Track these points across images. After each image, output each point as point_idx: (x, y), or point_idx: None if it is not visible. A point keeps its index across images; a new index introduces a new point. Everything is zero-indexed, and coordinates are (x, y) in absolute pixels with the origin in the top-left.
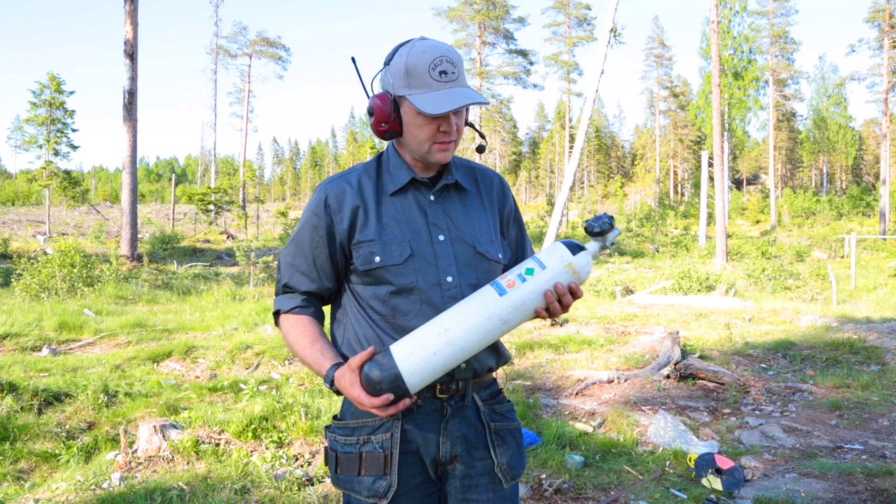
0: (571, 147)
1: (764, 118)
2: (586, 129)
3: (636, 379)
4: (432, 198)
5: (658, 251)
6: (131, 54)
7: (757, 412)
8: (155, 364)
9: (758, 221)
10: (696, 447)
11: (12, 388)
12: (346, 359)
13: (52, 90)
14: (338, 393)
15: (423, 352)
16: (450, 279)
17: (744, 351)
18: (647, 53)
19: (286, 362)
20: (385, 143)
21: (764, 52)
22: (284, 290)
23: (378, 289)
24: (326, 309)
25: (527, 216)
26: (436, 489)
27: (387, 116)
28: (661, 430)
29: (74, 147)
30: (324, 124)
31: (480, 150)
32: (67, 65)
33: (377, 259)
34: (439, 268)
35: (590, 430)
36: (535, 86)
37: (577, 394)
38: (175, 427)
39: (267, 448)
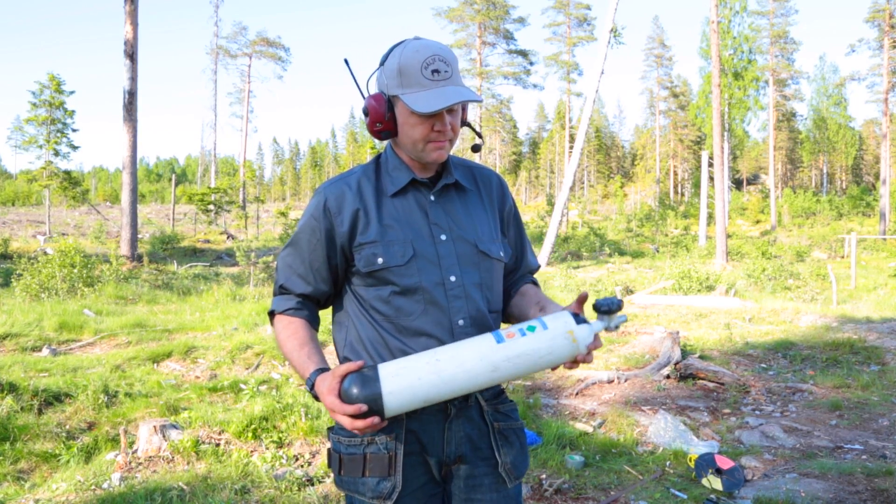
0: (571, 147)
1: (764, 118)
2: (586, 129)
3: (636, 379)
4: (433, 198)
5: (658, 251)
6: (131, 54)
7: (757, 412)
8: (155, 364)
9: (758, 221)
10: (696, 447)
11: (12, 388)
12: (346, 361)
13: (52, 90)
14: (316, 398)
15: (409, 375)
16: (453, 278)
17: (744, 351)
18: (647, 53)
19: (286, 363)
20: (383, 144)
21: (764, 52)
22: (281, 291)
23: (381, 290)
24: (324, 313)
25: (527, 216)
26: (439, 490)
27: (381, 117)
28: (661, 430)
29: (74, 147)
30: (324, 124)
31: (476, 149)
32: (67, 65)
33: (380, 260)
34: (442, 267)
35: (590, 430)
36: (535, 86)
37: (577, 394)
38: (175, 427)
39: (267, 448)
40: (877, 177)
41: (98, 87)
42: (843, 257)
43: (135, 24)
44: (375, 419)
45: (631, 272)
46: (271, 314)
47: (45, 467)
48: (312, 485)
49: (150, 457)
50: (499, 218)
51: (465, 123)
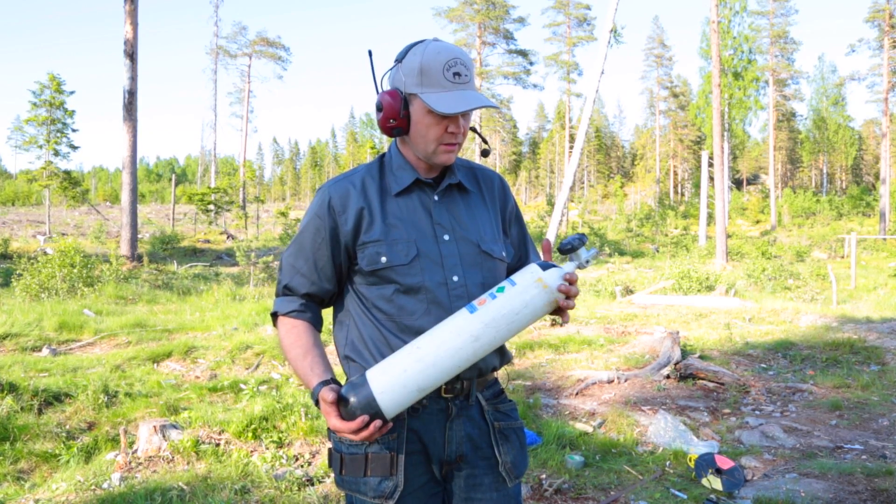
0: (571, 147)
1: (764, 118)
2: (586, 129)
3: (636, 379)
4: (436, 198)
5: (658, 251)
6: (131, 54)
7: (757, 412)
8: (155, 364)
9: (758, 221)
10: (696, 447)
11: (12, 388)
12: (348, 360)
13: (52, 90)
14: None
15: (394, 370)
16: (455, 278)
17: (744, 351)
18: (647, 53)
19: (286, 362)
20: (386, 143)
21: (764, 52)
22: (284, 291)
23: (383, 289)
24: (326, 312)
25: (527, 216)
26: (440, 489)
27: (395, 113)
28: (661, 430)
29: (74, 147)
30: (324, 124)
31: (485, 154)
32: (67, 65)
33: (383, 259)
34: (445, 267)
35: (590, 430)
36: (535, 86)
37: (577, 394)
38: (175, 427)
39: (267, 448)
40: (877, 177)
41: (98, 87)
42: (843, 257)
43: (135, 23)
44: (378, 423)
45: (631, 272)
46: (274, 315)
47: (45, 467)
48: (312, 485)
49: (150, 457)
50: (501, 218)
51: (470, 129)
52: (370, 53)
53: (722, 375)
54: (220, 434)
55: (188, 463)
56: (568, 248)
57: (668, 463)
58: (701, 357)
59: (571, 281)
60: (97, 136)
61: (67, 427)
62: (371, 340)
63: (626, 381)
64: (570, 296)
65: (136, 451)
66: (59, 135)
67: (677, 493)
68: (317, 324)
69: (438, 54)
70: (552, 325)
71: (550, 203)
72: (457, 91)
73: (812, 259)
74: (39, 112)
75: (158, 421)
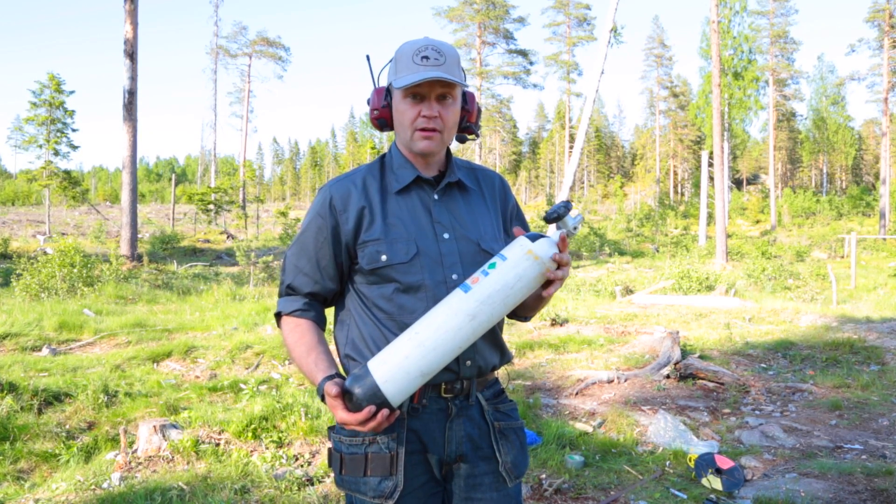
0: (571, 147)
1: (764, 118)
2: (586, 129)
3: (636, 379)
4: (436, 196)
5: (658, 251)
6: (131, 54)
7: (757, 412)
8: (155, 364)
9: (758, 221)
10: (696, 447)
11: (12, 388)
12: (349, 358)
13: (52, 90)
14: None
15: (395, 357)
16: (455, 277)
17: (744, 351)
18: (647, 53)
19: (286, 362)
20: (387, 143)
21: (764, 52)
22: (287, 291)
23: (384, 287)
24: (329, 311)
25: (526, 216)
26: (440, 489)
27: (377, 104)
28: (661, 430)
29: (74, 147)
30: (324, 124)
31: (462, 140)
32: (67, 65)
33: (383, 258)
34: (445, 265)
35: (590, 430)
36: (535, 86)
37: (577, 394)
38: (175, 427)
39: (267, 448)
40: (876, 177)
41: (98, 87)
42: (842, 257)
43: (135, 23)
44: (385, 412)
45: (631, 272)
46: (278, 315)
47: (45, 467)
48: (312, 484)
49: (150, 456)
50: (501, 217)
51: (470, 128)
52: (368, 58)
53: (722, 375)
54: (219, 434)
55: (188, 463)
56: (554, 217)
57: (667, 463)
58: (701, 357)
59: (561, 249)
60: (97, 135)
61: (67, 427)
62: (371, 339)
63: (625, 380)
64: (561, 264)
65: (135, 450)
66: (58, 134)
67: (677, 492)
68: (320, 322)
69: (413, 45)
70: (552, 324)
71: (550, 203)
72: (422, 70)
73: (812, 259)
74: (39, 112)
75: (158, 421)
